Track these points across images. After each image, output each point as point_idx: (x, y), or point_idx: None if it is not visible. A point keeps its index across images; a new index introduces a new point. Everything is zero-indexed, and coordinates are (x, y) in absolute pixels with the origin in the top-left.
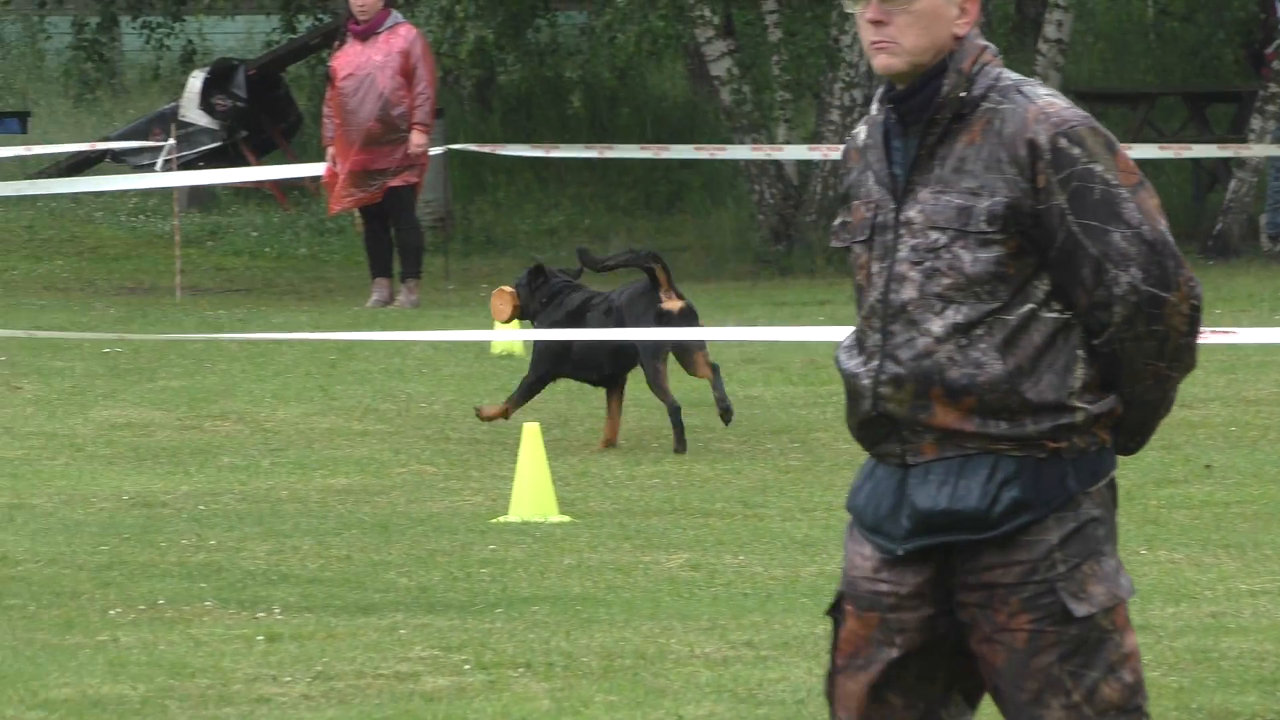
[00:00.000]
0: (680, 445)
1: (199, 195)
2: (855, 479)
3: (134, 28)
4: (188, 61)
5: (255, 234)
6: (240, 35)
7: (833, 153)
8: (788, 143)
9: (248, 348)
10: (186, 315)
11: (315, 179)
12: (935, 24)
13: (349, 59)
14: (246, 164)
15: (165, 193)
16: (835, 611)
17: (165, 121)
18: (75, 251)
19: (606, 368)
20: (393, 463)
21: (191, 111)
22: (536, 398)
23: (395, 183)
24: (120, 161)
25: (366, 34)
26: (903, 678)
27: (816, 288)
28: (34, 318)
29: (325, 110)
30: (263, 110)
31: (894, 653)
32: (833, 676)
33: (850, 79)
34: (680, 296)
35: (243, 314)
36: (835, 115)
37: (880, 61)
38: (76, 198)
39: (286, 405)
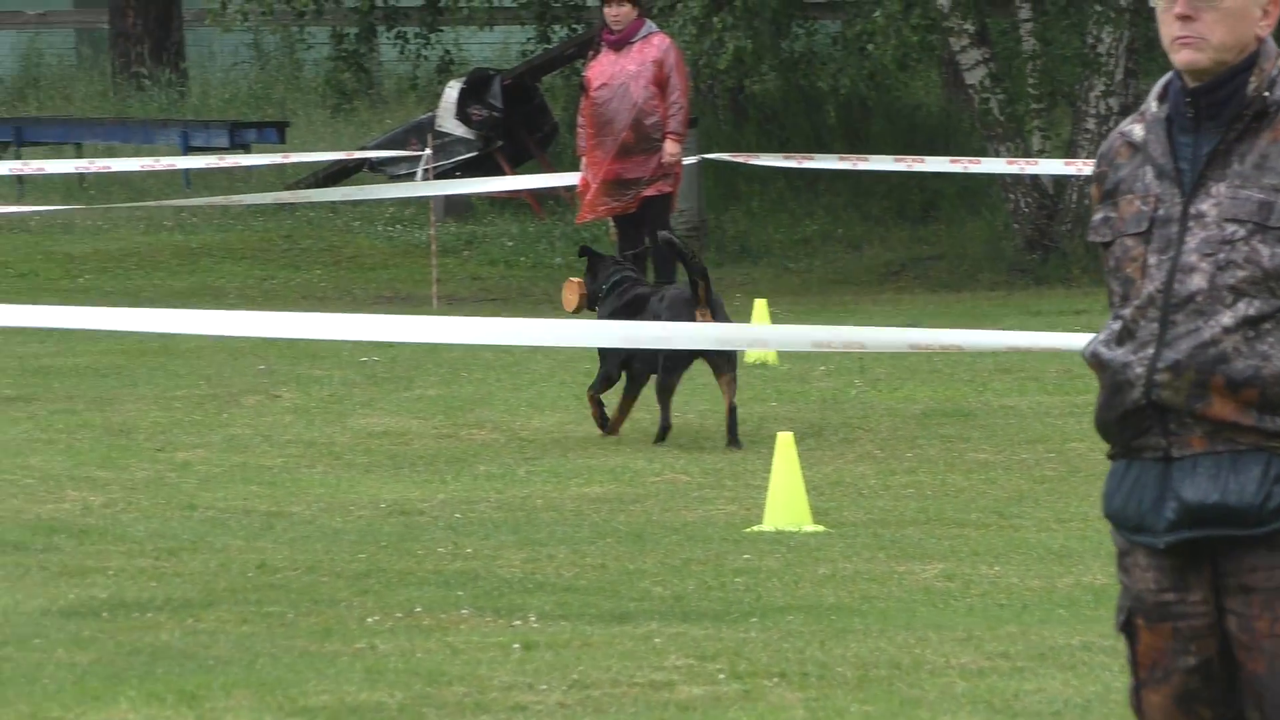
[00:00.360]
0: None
1: (455, 205)
2: (1107, 485)
3: (391, 38)
4: (444, 72)
5: (510, 243)
6: (496, 45)
7: (1088, 167)
8: (1042, 151)
9: (504, 356)
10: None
11: (570, 188)
12: (1241, 23)
13: (603, 69)
14: (502, 174)
15: (422, 202)
16: (1126, 628)
17: (422, 131)
18: (333, 261)
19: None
20: (647, 471)
21: (448, 121)
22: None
23: (649, 192)
24: (377, 171)
25: (620, 44)
26: (1208, 687)
27: (1072, 297)
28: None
29: (579, 120)
30: (518, 120)
31: (1191, 660)
32: (1137, 691)
33: (1107, 87)
34: (715, 315)
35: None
36: (1091, 124)
37: (1184, 57)
38: (334, 207)
39: (542, 414)
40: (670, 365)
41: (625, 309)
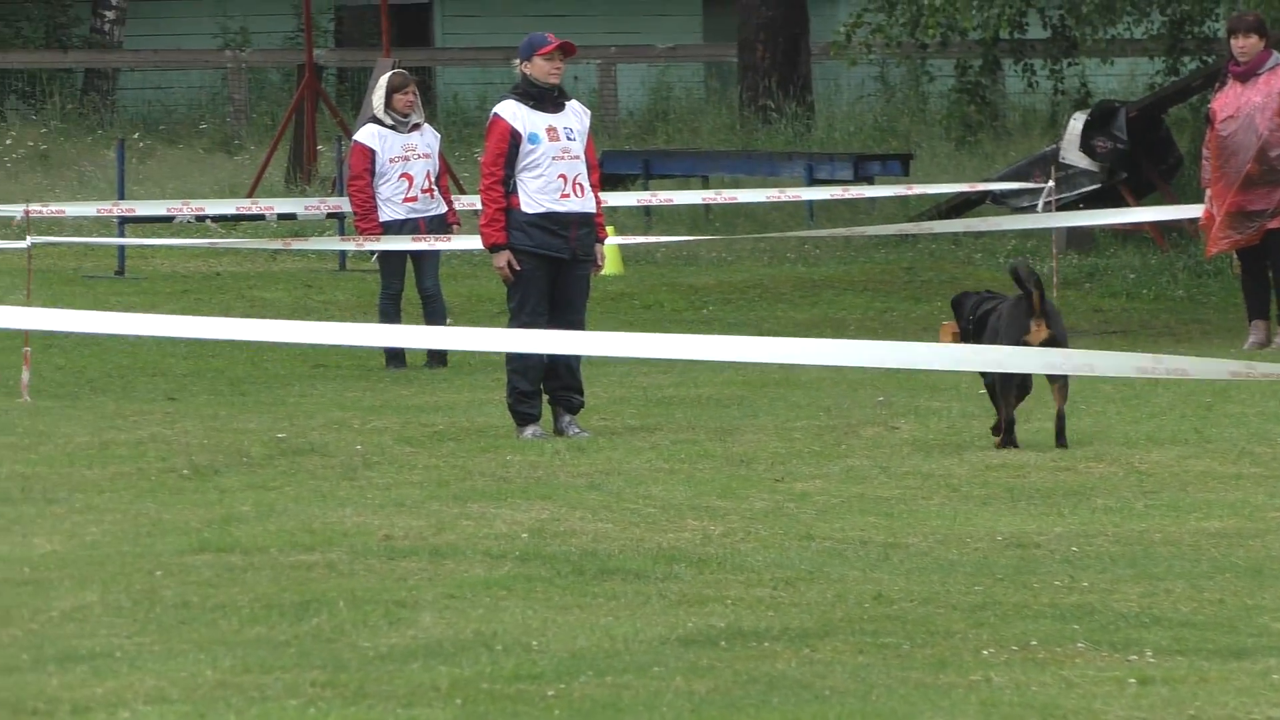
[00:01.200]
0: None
1: (1077, 237)
2: None
3: (1016, 70)
4: (1071, 104)
5: (1132, 276)
6: (1122, 77)
7: None
8: None
9: (1123, 389)
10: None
11: (1193, 221)
12: None
13: (1229, 100)
14: (1125, 206)
15: (1043, 234)
16: None
17: (1046, 164)
18: (953, 293)
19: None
20: (1267, 506)
21: (1072, 153)
22: None
23: (1273, 225)
24: (1000, 204)
25: (1246, 75)
26: None
27: None
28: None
29: (1204, 152)
30: (1143, 152)
31: None
32: None
33: None
34: (1051, 326)
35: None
36: None
37: None
38: (956, 239)
39: (1160, 447)
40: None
41: (976, 329)
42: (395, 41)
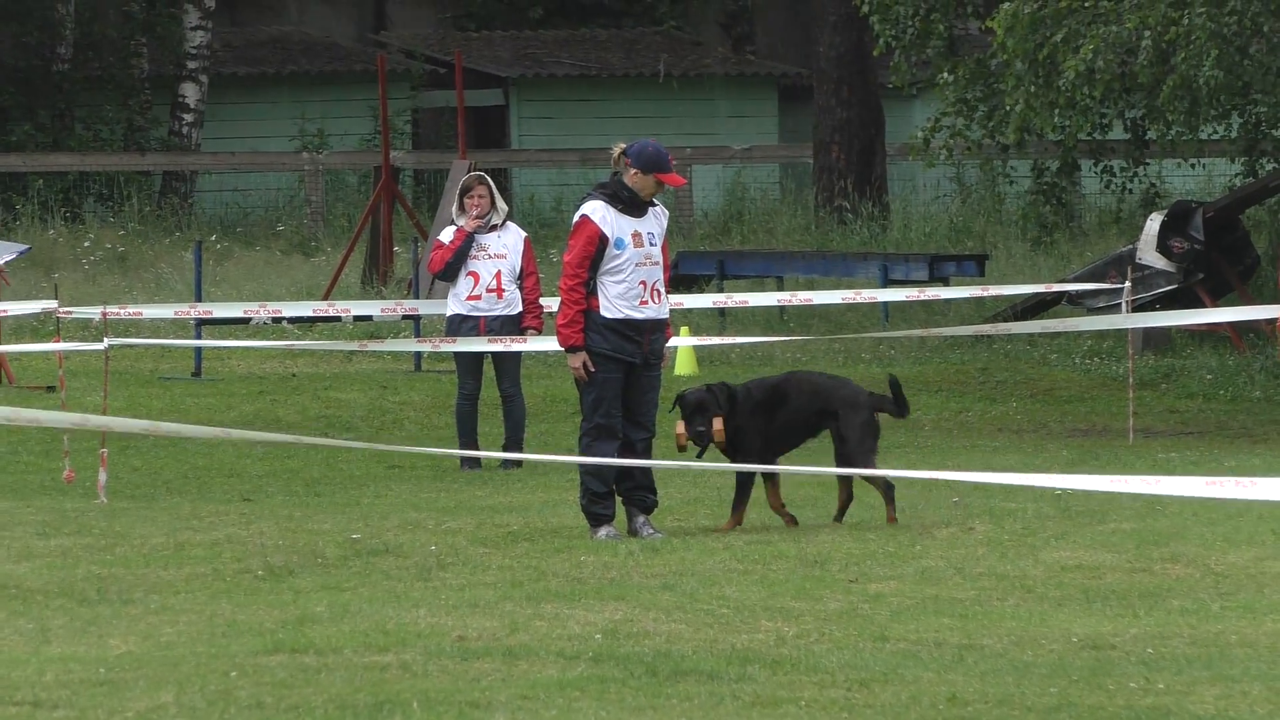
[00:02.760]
0: None
1: (1154, 337)
2: None
3: (1094, 171)
4: (1147, 204)
5: (1209, 376)
6: (1199, 178)
7: None
8: None
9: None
10: (1138, 458)
11: (1270, 321)
12: None
13: None
14: (1202, 306)
15: (1119, 335)
16: None
17: (1122, 264)
18: (1029, 394)
19: None
20: None
21: (1149, 254)
22: None
23: None
24: (1076, 304)
25: None
26: None
27: None
28: (987, 459)
29: None
30: (1220, 252)
31: None
32: None
33: None
34: None
35: (1195, 456)
36: None
37: None
38: (1032, 340)
39: (1237, 548)
40: None
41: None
42: (471, 143)
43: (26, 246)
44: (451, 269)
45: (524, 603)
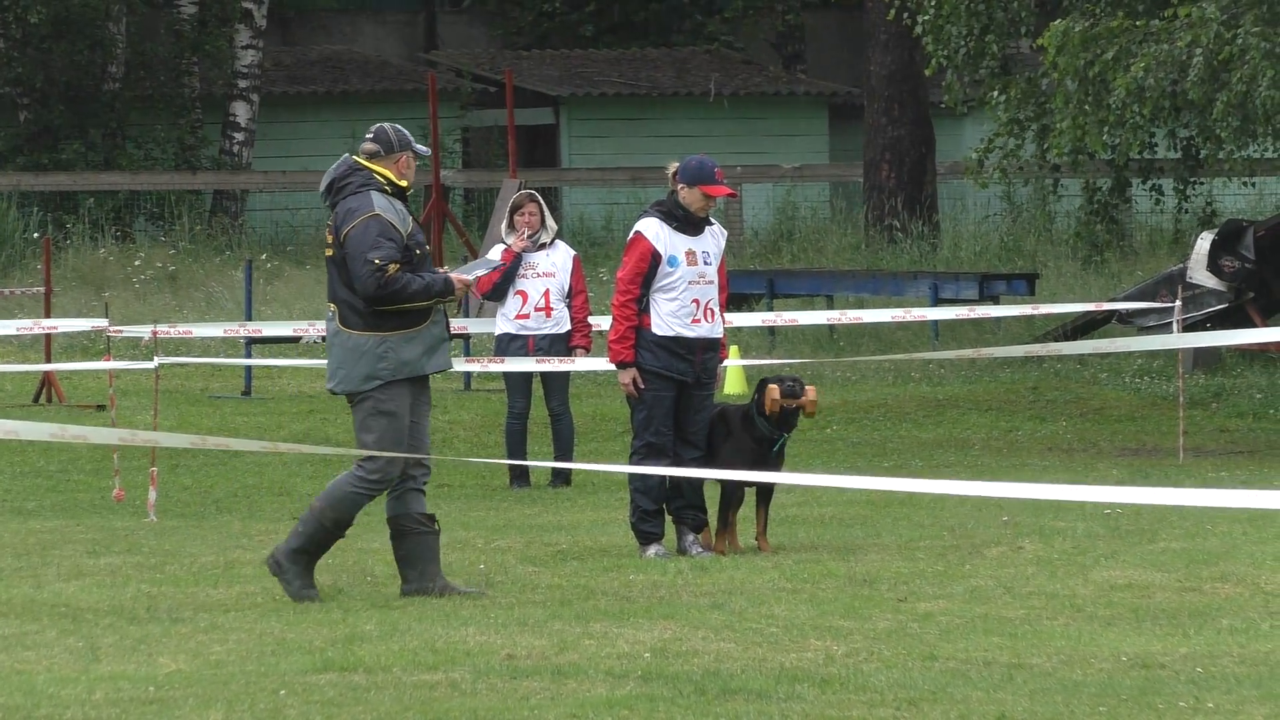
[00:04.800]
0: None
1: (1204, 357)
2: None
3: (1145, 190)
4: (1205, 223)
5: (1260, 396)
6: (1251, 196)
7: None
8: None
9: (1249, 510)
10: (1188, 477)
11: None
12: None
13: None
14: (1253, 325)
15: (1170, 354)
16: None
17: (1173, 283)
18: (1079, 413)
19: None
20: None
21: (1199, 273)
22: None
23: None
24: (1127, 323)
25: None
26: None
27: None
28: (1036, 477)
29: None
30: (1270, 271)
31: None
32: None
33: None
34: None
35: (1244, 476)
36: None
37: None
38: (1082, 359)
39: None
40: None
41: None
42: (522, 162)
43: (499, 261)
44: (499, 289)
45: (573, 621)
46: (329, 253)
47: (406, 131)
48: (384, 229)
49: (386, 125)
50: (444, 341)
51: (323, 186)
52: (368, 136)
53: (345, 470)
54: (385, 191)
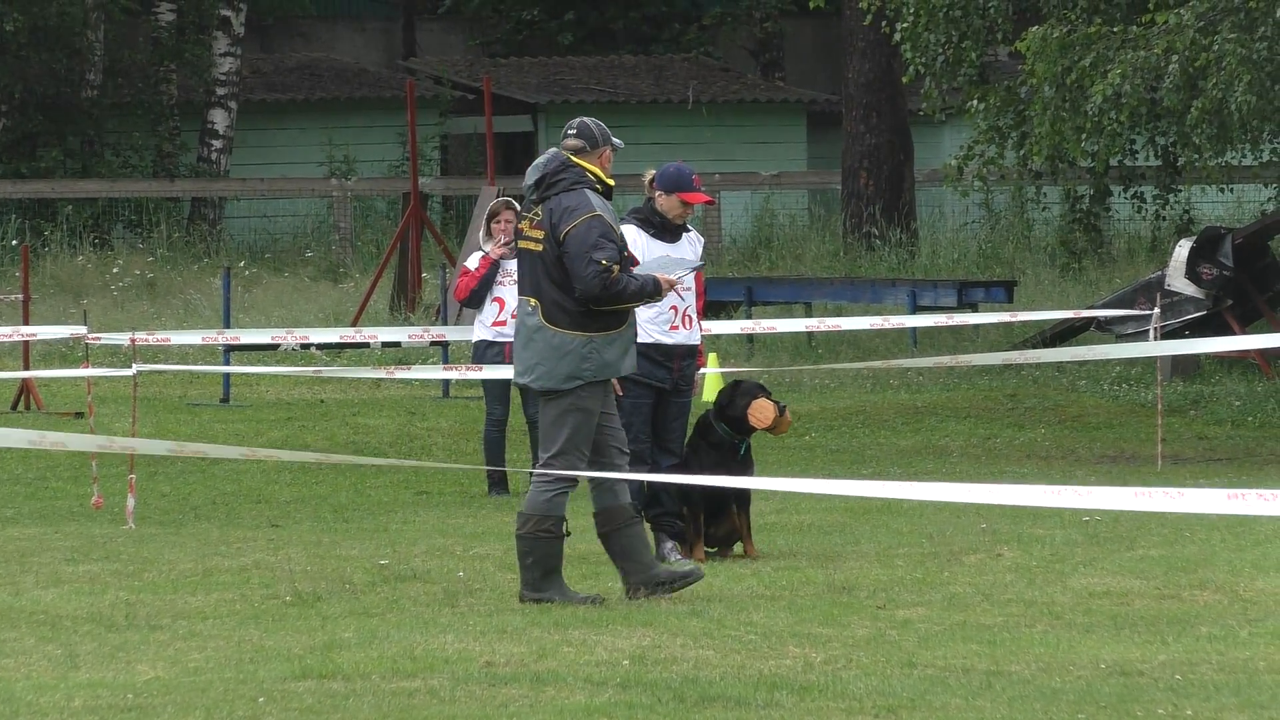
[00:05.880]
0: None
1: (1182, 364)
2: None
3: (1125, 198)
4: (1183, 231)
5: (1238, 403)
6: (1229, 204)
7: None
8: None
9: (1227, 517)
10: (1167, 484)
11: None
12: None
13: None
14: (1231, 333)
15: (1148, 362)
16: None
17: (1151, 290)
18: (1057, 420)
19: None
20: None
21: (1177, 280)
22: None
23: None
24: (1105, 330)
25: None
26: None
27: None
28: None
29: None
30: (1249, 279)
31: None
32: None
33: None
34: None
35: (1223, 483)
36: None
37: None
38: (1060, 366)
39: (1266, 575)
40: None
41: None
42: (500, 169)
43: (699, 262)
44: (477, 296)
45: (551, 629)
46: (536, 247)
47: (604, 125)
48: (605, 229)
49: (589, 120)
50: (634, 343)
51: (531, 180)
52: (570, 132)
53: (323, 479)
54: (597, 190)
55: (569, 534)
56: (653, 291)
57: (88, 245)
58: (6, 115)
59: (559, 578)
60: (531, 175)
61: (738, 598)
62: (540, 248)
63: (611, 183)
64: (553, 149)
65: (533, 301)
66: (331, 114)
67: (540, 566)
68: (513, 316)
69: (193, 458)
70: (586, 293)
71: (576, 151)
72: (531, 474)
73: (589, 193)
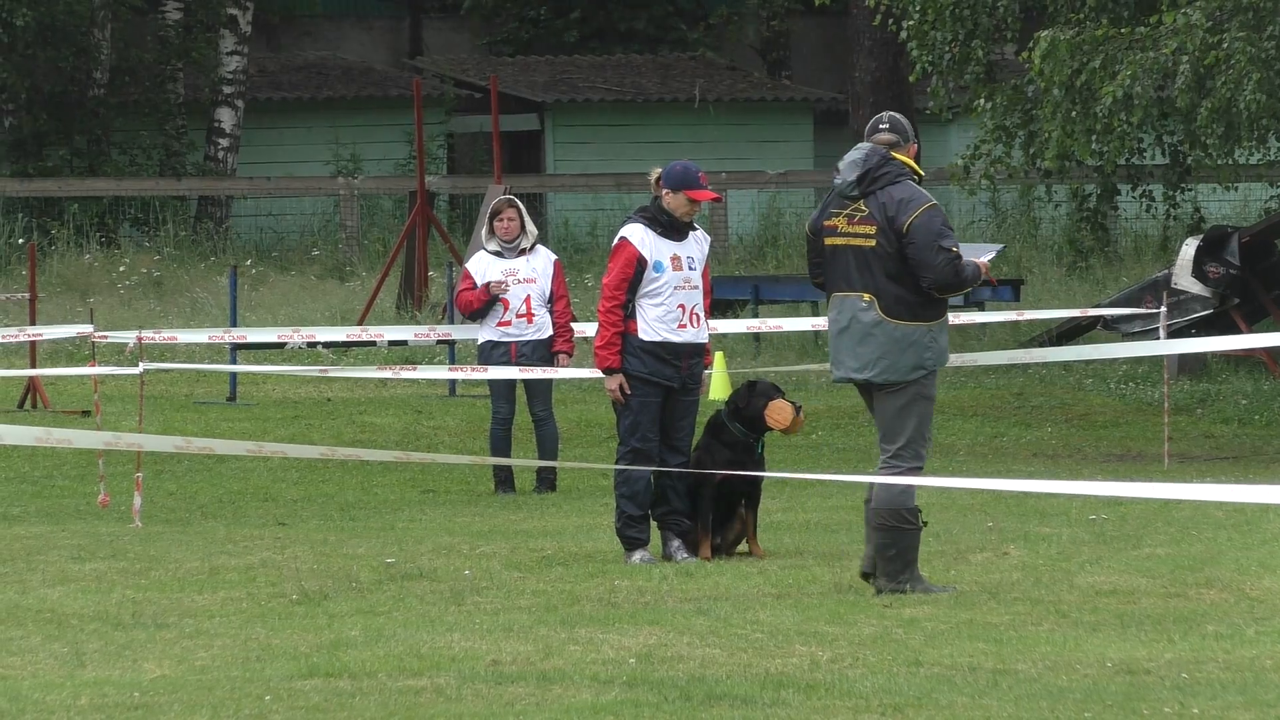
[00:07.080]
0: None
1: (1189, 363)
2: None
3: (1133, 197)
4: (1193, 230)
5: (1245, 401)
6: (1236, 203)
7: None
8: None
9: (1234, 515)
10: (1173, 483)
11: None
12: None
13: None
14: (1238, 331)
15: (1155, 360)
16: None
17: (1158, 289)
18: (1064, 418)
19: None
20: None
21: (1184, 279)
22: None
23: None
24: (1111, 329)
25: None
26: None
27: None
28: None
29: None
30: (1255, 277)
31: None
32: None
33: None
34: None
35: (1230, 481)
36: None
37: None
38: (1067, 365)
39: (1273, 573)
40: None
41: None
42: (507, 168)
43: (1002, 245)
44: (481, 313)
45: (558, 627)
46: (866, 243)
47: (907, 120)
48: (945, 218)
49: (898, 115)
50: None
51: (851, 176)
52: (882, 126)
53: (330, 477)
54: (916, 182)
55: (926, 523)
56: (975, 276)
57: (94, 244)
58: (13, 114)
59: (916, 568)
60: (850, 171)
61: (744, 596)
62: (872, 243)
63: (922, 174)
64: (864, 144)
65: (866, 297)
66: (338, 113)
67: (901, 558)
68: (518, 316)
69: (199, 456)
70: (939, 280)
71: (891, 145)
72: (877, 467)
73: (913, 184)
